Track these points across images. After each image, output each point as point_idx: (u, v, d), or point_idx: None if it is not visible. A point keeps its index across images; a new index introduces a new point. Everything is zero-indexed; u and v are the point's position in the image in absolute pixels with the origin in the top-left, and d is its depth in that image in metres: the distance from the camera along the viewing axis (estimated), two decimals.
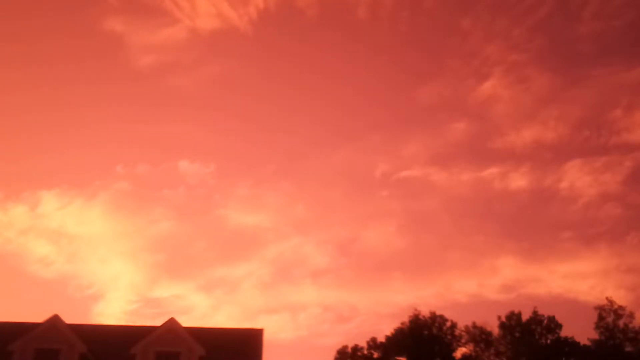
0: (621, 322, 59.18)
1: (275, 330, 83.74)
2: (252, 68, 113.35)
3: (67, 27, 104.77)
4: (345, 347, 63.14)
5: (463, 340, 62.44)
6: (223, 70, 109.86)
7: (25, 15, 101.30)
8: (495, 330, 61.89)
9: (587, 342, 59.66)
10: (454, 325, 62.77)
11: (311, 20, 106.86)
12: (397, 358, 61.89)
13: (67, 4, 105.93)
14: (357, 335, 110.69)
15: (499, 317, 62.05)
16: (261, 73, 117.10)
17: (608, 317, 59.68)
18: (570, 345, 59.60)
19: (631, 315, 59.23)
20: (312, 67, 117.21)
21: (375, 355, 62.45)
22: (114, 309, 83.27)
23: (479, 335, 61.92)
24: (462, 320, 76.37)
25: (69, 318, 30.52)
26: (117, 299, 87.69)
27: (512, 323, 61.32)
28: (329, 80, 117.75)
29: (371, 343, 62.91)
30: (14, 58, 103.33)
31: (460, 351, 62.13)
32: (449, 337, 62.40)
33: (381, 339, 63.04)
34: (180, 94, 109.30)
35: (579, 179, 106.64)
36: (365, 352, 62.68)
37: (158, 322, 31.42)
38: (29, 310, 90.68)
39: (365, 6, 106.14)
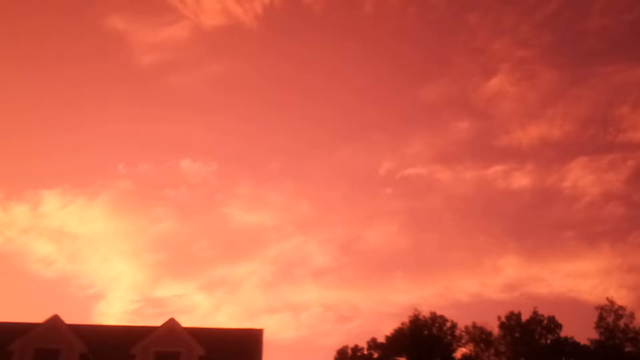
0: (621, 322, 59.23)
1: (277, 330, 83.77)
2: (255, 66, 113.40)
3: (68, 26, 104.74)
4: (345, 347, 63.20)
5: (463, 341, 62.46)
6: (225, 69, 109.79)
7: (26, 15, 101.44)
8: (496, 331, 62.00)
9: (588, 342, 59.78)
10: (454, 326, 62.78)
11: (317, 16, 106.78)
12: (397, 358, 61.92)
13: (68, 3, 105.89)
14: (359, 335, 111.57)
15: (499, 317, 62.17)
16: (264, 71, 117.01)
17: (608, 317, 59.72)
18: (571, 345, 59.62)
19: (631, 316, 59.33)
20: (315, 65, 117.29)
21: (375, 355, 62.45)
22: (115, 309, 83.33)
23: (479, 336, 61.90)
24: (465, 320, 76.80)
25: (70, 318, 30.77)
26: (119, 299, 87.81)
27: (512, 323, 61.33)
28: (332, 77, 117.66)
29: (371, 343, 62.93)
30: (15, 58, 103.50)
31: (460, 351, 62.16)
32: (449, 337, 62.39)
33: (382, 339, 63.16)
34: (182, 93, 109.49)
35: (582, 177, 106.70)
36: (365, 352, 62.71)
37: (159, 322, 31.59)
38: (29, 310, 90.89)
39: (371, 1, 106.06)
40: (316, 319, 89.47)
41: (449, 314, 66.81)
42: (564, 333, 60.60)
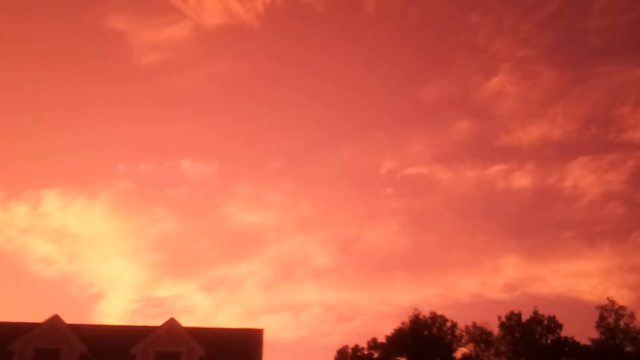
0: (622, 322, 59.27)
1: (277, 330, 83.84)
2: (256, 66, 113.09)
3: (69, 26, 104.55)
4: (345, 347, 63.16)
5: (463, 341, 62.45)
6: (226, 69, 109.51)
7: (26, 14, 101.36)
8: (496, 331, 61.99)
9: (588, 342, 59.82)
10: (454, 326, 62.77)
11: (318, 16, 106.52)
12: (397, 358, 61.91)
13: (68, 3, 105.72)
14: (359, 335, 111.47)
15: (499, 317, 62.17)
16: (265, 71, 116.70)
17: (609, 317, 59.76)
18: (571, 345, 59.61)
19: (632, 315, 59.37)
20: (315, 65, 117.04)
21: (376, 355, 62.43)
22: (115, 309, 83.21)
23: (479, 336, 61.90)
24: (465, 320, 76.64)
25: (71, 318, 30.74)
26: (119, 299, 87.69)
27: (512, 323, 61.33)
28: (332, 77, 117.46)
29: (372, 343, 62.92)
30: (15, 58, 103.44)
31: (460, 351, 62.15)
32: (449, 337, 62.38)
33: (382, 339, 63.13)
34: (182, 93, 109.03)
35: (582, 177, 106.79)
36: (366, 352, 62.69)
37: (159, 322, 31.59)
38: (30, 310, 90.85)
39: (372, 1, 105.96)
40: (316, 319, 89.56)
41: (449, 314, 66.77)
42: (564, 333, 60.64)
